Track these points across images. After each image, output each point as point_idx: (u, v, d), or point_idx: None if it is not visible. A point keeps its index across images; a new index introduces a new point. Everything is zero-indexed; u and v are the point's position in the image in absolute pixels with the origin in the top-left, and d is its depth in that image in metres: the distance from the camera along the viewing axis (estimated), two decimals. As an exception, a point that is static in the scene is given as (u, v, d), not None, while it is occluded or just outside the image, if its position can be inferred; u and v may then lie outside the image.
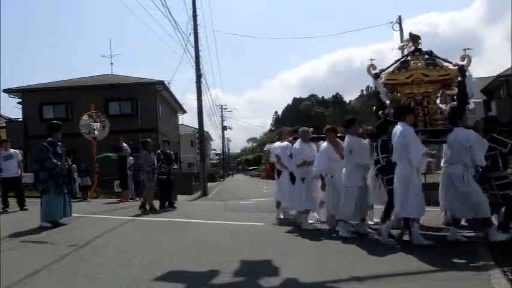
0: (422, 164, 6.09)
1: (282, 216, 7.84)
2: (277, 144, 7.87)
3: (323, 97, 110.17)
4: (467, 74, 6.22)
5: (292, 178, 7.01)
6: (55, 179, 7.02)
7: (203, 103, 20.63)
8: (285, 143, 7.55)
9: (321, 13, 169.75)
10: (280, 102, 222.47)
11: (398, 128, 5.33)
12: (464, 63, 6.25)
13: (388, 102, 6.72)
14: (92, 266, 4.53)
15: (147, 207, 9.95)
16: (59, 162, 7.08)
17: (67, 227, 7.04)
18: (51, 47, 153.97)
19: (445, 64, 6.57)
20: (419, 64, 6.51)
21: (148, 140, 10.98)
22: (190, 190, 19.23)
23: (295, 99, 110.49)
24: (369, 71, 6.79)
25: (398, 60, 6.85)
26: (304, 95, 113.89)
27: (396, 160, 5.35)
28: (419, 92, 6.53)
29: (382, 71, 6.80)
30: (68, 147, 8.36)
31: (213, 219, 8.31)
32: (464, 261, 4.33)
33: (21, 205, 9.60)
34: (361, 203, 5.93)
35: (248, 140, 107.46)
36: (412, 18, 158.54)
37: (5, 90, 23.56)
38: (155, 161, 10.14)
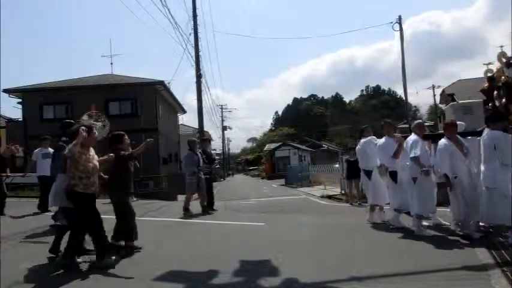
0: None
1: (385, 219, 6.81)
2: (383, 140, 6.71)
3: (323, 97, 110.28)
4: None
5: (394, 177, 6.30)
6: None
7: (203, 103, 20.58)
8: (384, 139, 6.69)
9: (322, 13, 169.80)
10: (281, 102, 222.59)
11: None
12: None
13: None
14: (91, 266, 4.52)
15: (191, 209, 9.31)
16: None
17: (67, 227, 7.02)
18: (51, 47, 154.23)
19: None
20: None
21: (194, 139, 10.27)
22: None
23: (295, 99, 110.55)
24: (499, 60, 6.01)
25: None
26: (305, 95, 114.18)
27: None
28: None
29: (510, 58, 5.98)
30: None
31: (213, 219, 8.31)
32: (464, 261, 4.32)
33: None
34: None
35: (248, 140, 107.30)
36: (414, 16, 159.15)
37: (5, 90, 23.48)
38: (200, 161, 9.45)
